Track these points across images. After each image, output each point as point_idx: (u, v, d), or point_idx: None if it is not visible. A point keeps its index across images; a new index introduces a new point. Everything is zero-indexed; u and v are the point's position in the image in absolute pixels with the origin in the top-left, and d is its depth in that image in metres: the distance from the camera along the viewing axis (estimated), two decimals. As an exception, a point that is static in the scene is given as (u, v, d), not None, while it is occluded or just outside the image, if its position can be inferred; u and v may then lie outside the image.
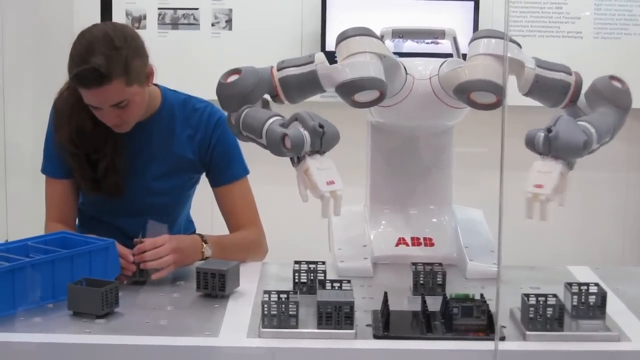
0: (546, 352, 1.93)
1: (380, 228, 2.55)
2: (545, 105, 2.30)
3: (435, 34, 2.58)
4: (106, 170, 2.48)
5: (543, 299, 1.97)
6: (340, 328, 1.94)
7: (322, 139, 2.09)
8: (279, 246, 2.69)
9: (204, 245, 2.40)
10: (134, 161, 2.53)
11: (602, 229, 4.40)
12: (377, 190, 2.59)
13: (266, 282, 2.34)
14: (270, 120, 2.12)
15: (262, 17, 4.13)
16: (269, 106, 2.28)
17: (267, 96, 2.28)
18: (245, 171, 2.62)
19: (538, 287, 2.25)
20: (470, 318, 1.97)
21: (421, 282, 2.23)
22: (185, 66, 4.03)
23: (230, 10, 4.13)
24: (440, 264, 2.26)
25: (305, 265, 2.23)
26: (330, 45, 3.96)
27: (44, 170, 2.59)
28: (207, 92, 2.68)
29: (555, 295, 1.98)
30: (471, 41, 2.28)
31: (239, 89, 2.22)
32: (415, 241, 2.51)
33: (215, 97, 2.36)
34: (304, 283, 2.22)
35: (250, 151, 2.52)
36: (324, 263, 2.24)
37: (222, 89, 2.24)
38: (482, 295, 2.04)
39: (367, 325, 2.01)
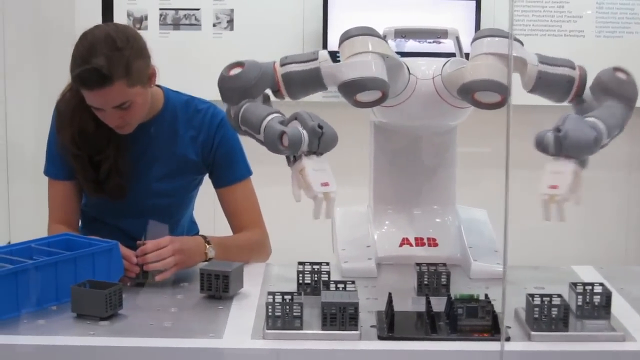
0: (551, 353, 1.92)
1: (384, 228, 2.55)
2: (551, 100, 2.29)
3: (438, 34, 2.58)
4: (109, 171, 2.48)
5: (548, 299, 1.96)
6: (344, 329, 1.93)
7: (320, 140, 2.08)
8: (282, 247, 2.69)
9: (207, 247, 2.40)
10: (137, 162, 2.52)
11: (604, 228, 4.40)
12: (380, 190, 2.58)
13: (270, 283, 2.34)
14: (270, 117, 2.12)
15: (263, 17, 4.13)
16: (270, 101, 2.27)
17: (268, 91, 2.27)
18: (248, 172, 2.61)
19: (542, 287, 2.25)
20: (475, 318, 1.97)
21: (425, 282, 2.22)
22: (187, 67, 4.03)
23: (232, 10, 4.13)
24: (445, 264, 2.25)
25: (309, 266, 2.23)
26: (331, 46, 3.96)
27: (47, 172, 2.59)
28: (208, 92, 2.68)
29: (560, 296, 1.98)
30: (473, 40, 2.27)
31: (242, 82, 2.21)
32: (419, 241, 2.51)
33: (218, 98, 2.35)
34: (307, 284, 2.22)
35: (253, 152, 2.52)
36: (328, 264, 2.23)
37: (225, 81, 2.23)
38: (486, 295, 2.04)
39: (372, 326, 2.00)
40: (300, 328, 1.94)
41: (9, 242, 4.11)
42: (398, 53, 2.31)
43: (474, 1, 4.11)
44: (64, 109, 2.50)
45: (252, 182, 2.62)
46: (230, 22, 4.12)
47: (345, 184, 4.04)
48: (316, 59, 2.23)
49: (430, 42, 3.79)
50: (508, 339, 1.93)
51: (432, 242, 2.51)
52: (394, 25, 2.49)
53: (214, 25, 4.12)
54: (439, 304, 2.05)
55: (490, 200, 2.85)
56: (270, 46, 4.03)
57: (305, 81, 2.24)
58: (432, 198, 2.57)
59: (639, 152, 4.41)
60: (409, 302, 2.18)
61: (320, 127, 2.08)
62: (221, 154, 2.56)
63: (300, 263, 2.24)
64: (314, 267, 2.22)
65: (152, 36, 3.90)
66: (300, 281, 2.22)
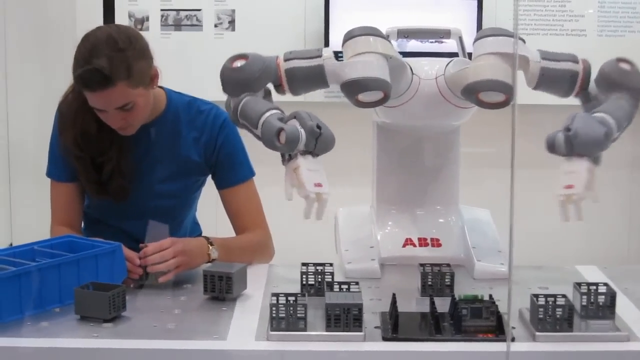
0: (556, 353, 1.92)
1: (387, 229, 2.55)
2: (556, 96, 2.28)
3: (441, 34, 2.57)
4: (111, 173, 2.48)
5: (552, 299, 1.96)
6: (349, 330, 1.93)
7: (318, 140, 2.08)
8: (285, 248, 2.69)
9: (210, 248, 2.40)
10: (140, 164, 2.52)
11: (607, 227, 4.39)
12: (383, 190, 2.58)
13: (273, 284, 2.33)
14: (269, 113, 2.11)
15: (264, 17, 4.12)
16: (271, 96, 2.27)
17: (269, 86, 2.26)
18: (251, 173, 2.61)
19: (546, 287, 2.25)
20: (480, 319, 1.96)
21: (429, 283, 2.22)
22: (188, 67, 4.03)
23: (233, 11, 4.13)
24: (448, 265, 2.25)
25: (313, 267, 2.22)
26: (333, 46, 3.95)
27: (49, 173, 2.59)
28: (210, 93, 2.67)
29: (564, 296, 1.97)
30: (476, 40, 2.27)
31: (245, 75, 2.20)
32: (423, 242, 2.50)
33: (220, 99, 2.35)
34: (311, 285, 2.21)
35: (256, 153, 2.51)
36: (331, 265, 2.23)
37: (228, 72, 2.22)
38: (490, 296, 2.04)
39: (376, 327, 2.00)
40: (305, 329, 1.94)
41: (11, 244, 4.13)
42: (400, 53, 2.30)
43: (476, 1, 4.10)
44: (66, 110, 2.49)
45: (254, 183, 2.61)
46: (232, 22, 4.11)
47: (347, 184, 4.06)
48: (320, 56, 2.22)
49: (432, 42, 3.78)
50: (513, 340, 1.93)
51: (436, 243, 2.50)
52: (396, 26, 2.49)
53: (216, 25, 4.12)
54: (443, 305, 2.05)
55: (494, 200, 2.85)
56: (272, 46, 3.99)
57: (308, 78, 2.23)
58: (435, 198, 2.56)
59: (641, 151, 4.41)
60: (412, 303, 2.17)
61: (318, 127, 2.07)
62: (224, 155, 2.56)
63: (303, 264, 2.23)
64: (318, 268, 2.22)
65: (154, 37, 3.89)
66: (304, 282, 2.21)
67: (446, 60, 2.36)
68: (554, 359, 1.93)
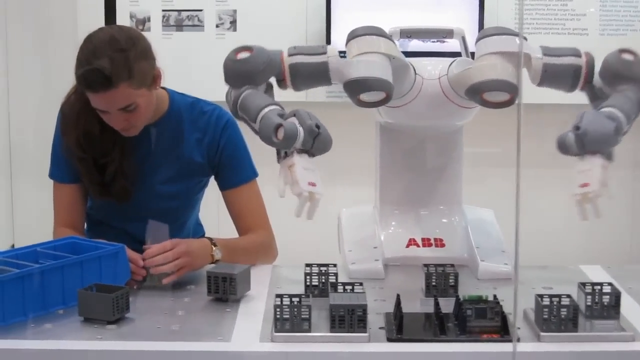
0: (561, 353, 1.92)
1: (391, 229, 2.54)
2: (561, 91, 2.27)
3: (444, 34, 2.57)
4: (114, 174, 2.47)
5: (557, 299, 1.95)
6: (353, 331, 1.92)
7: (315, 140, 2.07)
8: (288, 249, 2.68)
9: (214, 249, 2.39)
10: (142, 165, 2.52)
11: (610, 226, 4.38)
12: (386, 191, 2.58)
13: (277, 285, 2.33)
14: (269, 108, 2.11)
15: (266, 17, 4.12)
16: (272, 90, 2.26)
17: (272, 80, 2.25)
18: (254, 174, 2.60)
19: (551, 287, 2.24)
20: (484, 319, 1.96)
21: (433, 283, 2.22)
22: (190, 68, 4.02)
23: (235, 11, 4.12)
24: (452, 265, 2.24)
25: (317, 268, 2.21)
26: (335, 46, 3.94)
27: (52, 175, 2.58)
28: (212, 93, 2.67)
29: (569, 296, 1.97)
30: (478, 39, 2.26)
31: (249, 67, 2.20)
32: (426, 242, 2.50)
33: (222, 99, 2.35)
34: (315, 286, 2.21)
35: (258, 153, 2.51)
36: (335, 266, 2.22)
37: (232, 64, 2.21)
38: (495, 296, 2.04)
39: (380, 328, 2.00)
40: (309, 330, 1.94)
41: (13, 245, 4.13)
42: (402, 52, 2.30)
43: (477, 0, 4.09)
44: (69, 111, 2.49)
45: (257, 184, 2.61)
46: (233, 23, 4.11)
47: (349, 184, 4.06)
48: (325, 53, 2.22)
49: (433, 42, 3.78)
50: (518, 340, 1.93)
51: (439, 243, 2.50)
52: (399, 26, 2.48)
53: (217, 26, 4.12)
54: (447, 305, 2.05)
55: (497, 200, 2.84)
56: (273, 47, 4.01)
57: (312, 74, 2.22)
58: (438, 198, 2.56)
59: (643, 149, 4.40)
60: (417, 304, 2.17)
61: (317, 127, 2.07)
62: (227, 156, 2.56)
63: (307, 265, 2.22)
64: (322, 269, 2.21)
65: (155, 38, 3.85)
66: (308, 283, 2.21)
67: (449, 60, 2.36)
68: (558, 359, 1.93)
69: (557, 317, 1.94)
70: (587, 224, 4.30)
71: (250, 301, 2.19)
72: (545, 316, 1.94)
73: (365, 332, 1.93)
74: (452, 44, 2.60)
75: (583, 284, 2.07)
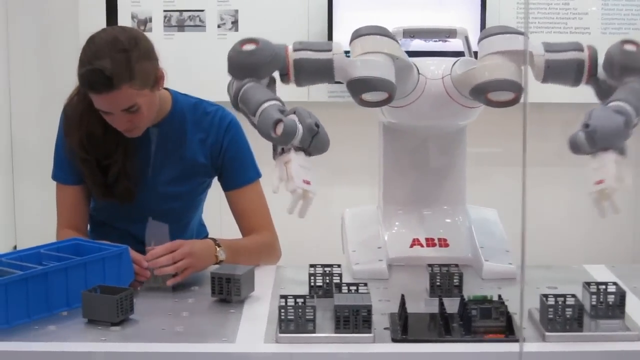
0: (566, 353, 1.91)
1: (394, 229, 2.54)
2: (567, 85, 2.26)
3: (447, 34, 2.56)
4: (117, 175, 2.47)
5: (562, 299, 1.95)
6: (358, 332, 1.92)
7: (314, 139, 2.06)
8: (291, 249, 2.68)
9: (218, 249, 2.39)
10: (146, 166, 2.52)
11: (612, 225, 4.38)
12: (390, 191, 2.57)
13: (281, 286, 2.33)
14: (269, 103, 2.10)
15: (268, 18, 4.11)
16: (275, 85, 2.25)
17: (275, 74, 2.25)
18: (257, 174, 2.60)
19: (555, 287, 2.24)
20: (489, 320, 1.96)
21: (438, 283, 2.21)
22: (192, 68, 4.02)
23: (236, 11, 4.12)
24: (457, 265, 2.24)
25: (321, 269, 2.21)
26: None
27: (55, 176, 2.58)
28: (214, 94, 2.67)
29: (574, 295, 1.97)
30: (481, 38, 2.26)
31: (254, 59, 2.19)
32: (430, 242, 2.50)
33: (224, 99, 2.34)
34: (319, 286, 2.20)
35: (262, 154, 2.50)
36: (339, 266, 2.22)
37: (237, 55, 2.20)
38: (499, 296, 2.03)
39: (385, 329, 1.99)
40: (314, 331, 1.93)
41: (15, 247, 4.12)
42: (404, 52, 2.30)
43: (479, -1, 4.10)
44: (72, 113, 2.48)
45: (261, 184, 2.60)
46: (235, 23, 4.10)
47: (350, 184, 4.05)
48: (330, 50, 2.21)
49: (435, 41, 3.78)
50: (523, 340, 1.92)
51: (443, 243, 2.50)
52: (402, 25, 2.48)
53: (219, 26, 4.11)
54: (451, 306, 2.04)
55: (500, 199, 2.84)
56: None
57: (316, 70, 2.22)
58: (442, 198, 2.56)
59: (645, 147, 4.39)
60: (421, 304, 2.17)
61: (317, 125, 2.06)
62: (230, 157, 2.55)
63: (311, 265, 2.22)
64: (326, 269, 2.21)
65: (157, 38, 3.85)
66: (312, 284, 2.20)
67: (452, 59, 2.35)
68: (564, 359, 1.92)
69: (562, 316, 1.94)
70: (590, 222, 4.32)
71: (254, 302, 2.19)
72: (551, 316, 1.94)
73: (370, 332, 1.92)
74: (454, 44, 2.60)
75: (588, 284, 2.06)
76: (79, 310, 2.06)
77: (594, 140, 2.04)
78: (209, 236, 2.67)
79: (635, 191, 4.44)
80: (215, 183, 2.64)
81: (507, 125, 3.32)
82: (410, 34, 2.51)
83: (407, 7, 4.04)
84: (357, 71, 2.15)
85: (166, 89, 2.54)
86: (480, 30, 3.01)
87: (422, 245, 2.49)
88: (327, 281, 2.20)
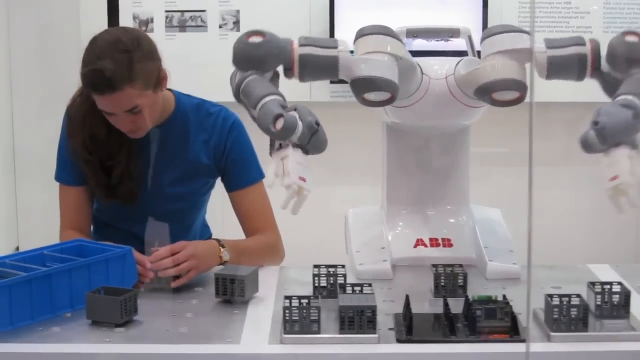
0: (571, 353, 1.91)
1: (398, 229, 2.53)
2: (572, 80, 2.25)
3: (450, 33, 2.56)
4: (121, 176, 2.46)
5: (567, 299, 1.95)
6: (362, 332, 1.92)
7: (313, 137, 2.06)
8: (295, 250, 2.67)
9: (222, 250, 2.38)
10: (149, 167, 2.51)
11: (615, 224, 4.38)
12: (393, 191, 2.57)
13: (285, 286, 2.32)
14: (271, 97, 2.09)
15: (269, 18, 4.10)
16: (278, 80, 2.24)
17: (279, 69, 2.24)
18: (260, 175, 2.59)
19: (559, 287, 2.24)
20: (494, 320, 1.95)
21: (442, 284, 2.21)
22: (194, 68, 4.01)
23: (238, 11, 4.11)
24: (461, 265, 2.24)
25: (325, 269, 2.21)
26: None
27: (58, 177, 2.57)
28: (215, 94, 2.66)
29: (579, 295, 1.96)
30: (484, 38, 2.25)
31: (260, 52, 2.18)
32: (434, 242, 2.49)
33: (226, 100, 2.34)
34: (323, 287, 2.20)
35: (265, 154, 2.49)
36: (343, 266, 2.22)
37: (243, 47, 2.19)
38: (504, 296, 2.03)
39: (390, 329, 1.99)
40: (318, 332, 1.93)
41: (17, 248, 4.12)
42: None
43: (481, -1, 4.09)
44: (75, 114, 2.48)
45: (264, 185, 2.60)
46: (236, 23, 4.10)
47: (354, 184, 4.05)
48: (336, 47, 2.20)
49: (437, 40, 3.77)
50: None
51: (447, 243, 2.49)
52: (405, 25, 2.47)
53: (220, 26, 4.11)
54: (456, 306, 2.04)
55: (503, 199, 2.84)
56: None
57: (321, 67, 2.21)
58: (445, 198, 2.55)
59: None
60: (426, 304, 2.16)
61: (317, 123, 2.06)
62: (233, 157, 2.55)
63: (315, 266, 2.22)
64: (330, 270, 2.20)
65: (158, 38, 3.84)
66: (316, 284, 2.20)
67: (455, 59, 2.35)
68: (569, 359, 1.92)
69: (567, 317, 1.94)
70: (593, 222, 4.31)
71: (258, 303, 2.19)
72: (555, 316, 1.94)
73: (374, 333, 1.92)
74: (456, 43, 2.59)
75: (592, 284, 2.06)
76: (82, 311, 2.06)
77: (604, 137, 2.03)
78: (213, 237, 2.66)
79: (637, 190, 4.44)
80: (218, 183, 2.64)
81: (509, 125, 3.32)
82: (414, 33, 2.51)
83: (409, 7, 4.04)
84: (360, 70, 2.14)
85: (169, 89, 2.53)
86: (482, 30, 3.01)
87: (425, 246, 2.49)
88: (332, 282, 2.20)
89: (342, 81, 2.25)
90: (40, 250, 2.23)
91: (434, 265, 2.23)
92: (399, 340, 1.93)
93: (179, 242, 2.31)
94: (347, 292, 2.06)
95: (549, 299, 1.96)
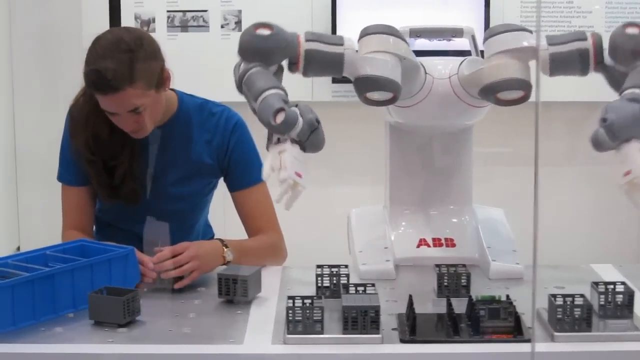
0: (575, 353, 1.91)
1: (401, 229, 2.53)
2: (576, 76, 2.24)
3: (454, 33, 2.56)
4: (123, 176, 2.46)
5: (570, 299, 1.95)
6: (366, 333, 1.91)
7: (312, 134, 2.05)
8: (297, 250, 2.67)
9: (225, 250, 2.38)
10: (152, 167, 2.51)
11: (617, 224, 4.37)
12: (396, 191, 2.56)
13: (287, 286, 2.32)
14: (273, 91, 2.08)
15: (271, 18, 4.05)
16: (282, 74, 2.23)
17: (284, 63, 2.23)
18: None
19: (563, 287, 2.23)
20: (497, 320, 1.95)
21: (445, 284, 2.20)
22: (195, 68, 4.00)
23: (240, 11, 4.11)
24: (464, 265, 2.24)
25: (328, 269, 2.20)
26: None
27: (60, 177, 2.57)
28: (218, 94, 2.66)
29: (582, 295, 1.96)
30: (486, 38, 2.25)
31: (268, 44, 2.16)
32: (437, 242, 2.49)
33: (229, 100, 2.33)
34: (326, 287, 2.20)
35: (267, 154, 2.49)
36: (346, 267, 2.21)
37: (250, 38, 2.17)
38: (507, 296, 2.03)
39: (393, 329, 1.98)
40: (321, 332, 1.93)
41: (18, 248, 4.12)
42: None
43: (483, -2, 4.09)
44: (77, 114, 2.48)
45: (267, 185, 2.60)
46: (238, 23, 4.09)
47: (356, 184, 4.04)
48: (342, 44, 2.19)
49: (440, 40, 3.77)
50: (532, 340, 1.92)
51: (450, 243, 2.49)
52: (408, 25, 2.47)
53: (222, 26, 4.10)
54: (459, 306, 2.03)
55: (506, 198, 2.83)
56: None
57: (327, 63, 2.19)
58: (448, 198, 2.55)
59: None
60: (429, 304, 2.16)
61: (318, 121, 2.05)
62: (236, 158, 2.55)
63: (318, 266, 2.21)
64: (333, 270, 2.20)
65: (160, 38, 3.84)
66: (319, 284, 2.20)
67: (459, 59, 2.35)
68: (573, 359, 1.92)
69: (570, 317, 1.93)
70: (596, 222, 4.30)
71: (261, 303, 2.18)
72: (559, 316, 1.94)
73: (378, 333, 1.92)
74: (459, 43, 2.58)
75: (596, 283, 2.06)
76: (85, 311, 2.05)
77: (613, 133, 2.01)
78: (215, 237, 2.66)
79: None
80: (220, 183, 2.63)
81: (512, 124, 3.31)
82: (417, 33, 2.50)
83: (411, 7, 4.03)
84: (365, 69, 2.14)
85: (172, 89, 2.53)
86: (485, 29, 3.00)
87: (428, 245, 2.49)
88: (335, 282, 2.19)
89: (344, 80, 2.24)
90: (42, 251, 2.22)
91: (437, 265, 2.23)
92: (403, 341, 1.93)
93: (182, 242, 2.30)
94: (350, 292, 2.06)
95: (553, 299, 1.95)
